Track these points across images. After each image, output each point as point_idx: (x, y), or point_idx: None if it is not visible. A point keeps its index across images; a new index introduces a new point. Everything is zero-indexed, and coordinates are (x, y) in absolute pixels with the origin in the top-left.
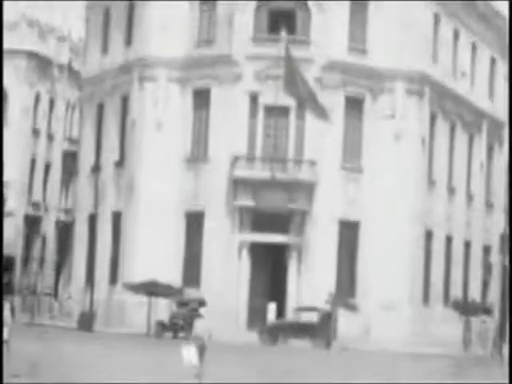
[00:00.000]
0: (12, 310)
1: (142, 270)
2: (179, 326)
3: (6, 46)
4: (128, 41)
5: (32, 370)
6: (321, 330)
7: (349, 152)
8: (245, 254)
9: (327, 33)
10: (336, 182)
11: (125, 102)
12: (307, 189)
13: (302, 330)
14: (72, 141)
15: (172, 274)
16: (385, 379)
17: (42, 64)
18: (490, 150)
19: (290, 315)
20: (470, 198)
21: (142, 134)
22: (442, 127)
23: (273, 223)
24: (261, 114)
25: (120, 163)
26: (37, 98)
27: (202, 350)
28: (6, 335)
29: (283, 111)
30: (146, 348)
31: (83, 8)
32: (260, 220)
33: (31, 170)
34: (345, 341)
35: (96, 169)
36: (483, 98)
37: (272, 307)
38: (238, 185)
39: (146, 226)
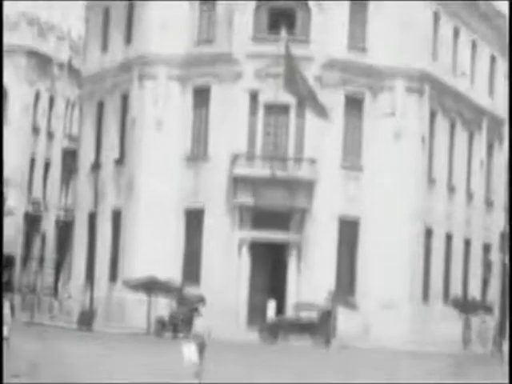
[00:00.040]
0: (12, 308)
1: (142, 267)
2: (179, 324)
3: (5, 44)
4: (128, 39)
5: (32, 369)
6: (320, 328)
7: (349, 150)
8: (245, 251)
9: (327, 31)
10: (336, 180)
11: (125, 100)
12: (307, 187)
13: (301, 327)
14: (72, 139)
15: (172, 272)
16: (384, 377)
17: (41, 62)
18: (490, 147)
19: (290, 313)
20: (469, 195)
21: (141, 132)
22: (442, 125)
23: (273, 221)
24: (261, 112)
25: (120, 161)
26: (37, 96)
27: (201, 348)
28: (5, 332)
29: (283, 109)
30: (145, 346)
31: (83, 8)
32: (260, 218)
33: (31, 168)
34: (344, 339)
35: (96, 167)
36: (483, 96)
37: (272, 305)
38: (238, 183)
39: (145, 224)
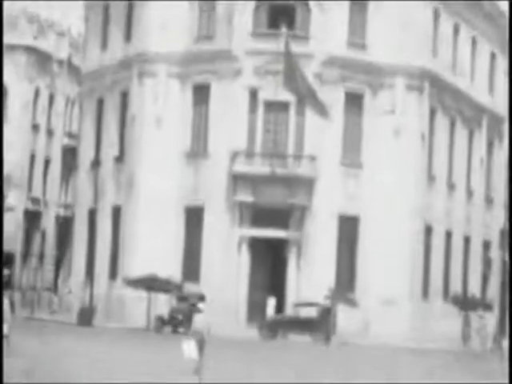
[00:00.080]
0: (12, 305)
1: (142, 265)
2: (179, 321)
3: (5, 41)
4: (127, 36)
5: (31, 365)
6: (320, 325)
7: (348, 147)
8: (244, 248)
9: (327, 28)
10: (336, 178)
11: (124, 97)
12: (307, 184)
13: (301, 325)
14: (72, 136)
15: (172, 269)
16: (384, 375)
17: (41, 59)
18: (489, 145)
19: (290, 310)
20: (469, 193)
21: (141, 129)
22: (442, 122)
23: (272, 218)
24: (260, 110)
25: (120, 158)
26: (36, 94)
27: (201, 345)
28: (6, 330)
29: (283, 106)
30: (145, 343)
31: (83, 8)
32: (260, 215)
33: (31, 165)
34: (344, 336)
35: (96, 164)
36: (483, 93)
37: (271, 302)
38: (237, 180)
39: (145, 221)
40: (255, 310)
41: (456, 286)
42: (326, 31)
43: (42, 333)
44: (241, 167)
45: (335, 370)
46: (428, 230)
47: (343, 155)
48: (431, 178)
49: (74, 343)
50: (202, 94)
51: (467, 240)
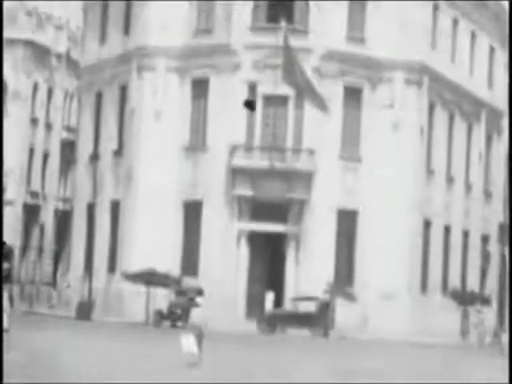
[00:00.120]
0: (11, 298)
1: (141, 259)
2: (177, 315)
3: (3, 35)
4: (126, 30)
5: (30, 359)
6: (319, 320)
7: (347, 141)
8: (243, 243)
9: (326, 22)
10: (334, 172)
11: (123, 91)
12: (306, 178)
13: (300, 319)
14: (70, 130)
15: (170, 263)
16: (383, 371)
17: (39, 53)
18: (488, 139)
19: (288, 304)
20: (468, 187)
21: (140, 123)
22: (441, 116)
23: (271, 212)
24: (259, 104)
25: (118, 152)
26: (35, 88)
27: (199, 339)
28: (5, 324)
29: (282, 100)
30: (144, 337)
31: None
32: (258, 209)
33: (29, 159)
34: (343, 330)
35: (94, 158)
36: (482, 88)
37: (270, 296)
38: (236, 174)
39: (144, 215)
40: (254, 304)
41: (455, 280)
42: (325, 25)
43: (41, 327)
44: (240, 161)
45: (334, 365)
46: (427, 224)
47: (342, 149)
48: (430, 172)
49: (73, 337)
50: (200, 87)
51: (466, 234)
